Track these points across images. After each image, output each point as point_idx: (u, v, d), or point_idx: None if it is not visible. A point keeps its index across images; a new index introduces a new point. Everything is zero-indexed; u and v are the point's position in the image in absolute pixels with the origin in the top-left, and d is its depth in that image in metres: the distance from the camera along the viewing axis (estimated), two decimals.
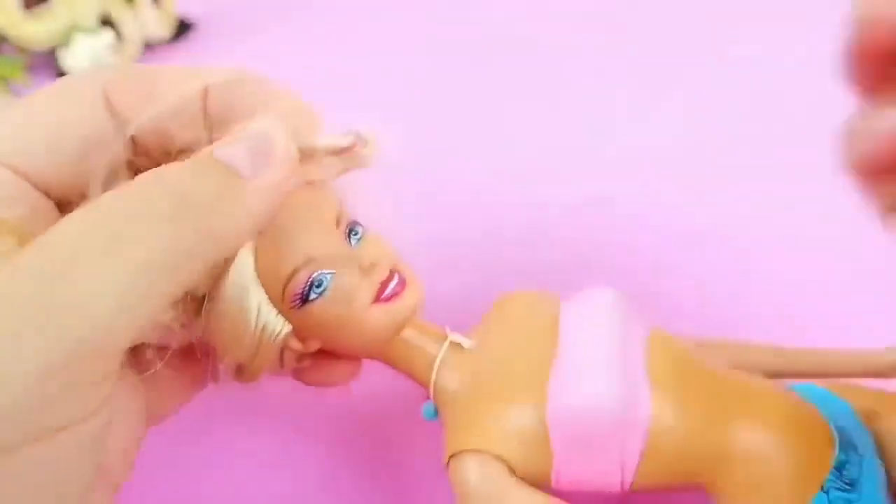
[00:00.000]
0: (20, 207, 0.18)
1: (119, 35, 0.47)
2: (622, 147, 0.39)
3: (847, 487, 0.20)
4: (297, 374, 0.22)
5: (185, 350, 0.21)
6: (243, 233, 0.17)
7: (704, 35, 0.47)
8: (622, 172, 0.38)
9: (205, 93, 0.19)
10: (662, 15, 0.49)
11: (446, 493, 0.21)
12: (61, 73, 0.46)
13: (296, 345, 0.20)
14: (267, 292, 0.19)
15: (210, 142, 0.18)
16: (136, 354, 0.20)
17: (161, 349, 0.20)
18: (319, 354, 0.21)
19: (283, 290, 0.19)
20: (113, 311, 0.14)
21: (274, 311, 0.20)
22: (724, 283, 0.32)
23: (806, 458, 0.20)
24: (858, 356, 0.24)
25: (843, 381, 0.24)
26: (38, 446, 0.14)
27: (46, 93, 0.19)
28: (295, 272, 0.19)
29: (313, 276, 0.19)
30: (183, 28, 0.50)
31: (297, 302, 0.20)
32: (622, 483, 0.20)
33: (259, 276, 0.19)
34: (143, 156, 0.19)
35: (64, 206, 0.19)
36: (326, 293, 0.20)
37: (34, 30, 0.45)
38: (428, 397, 0.23)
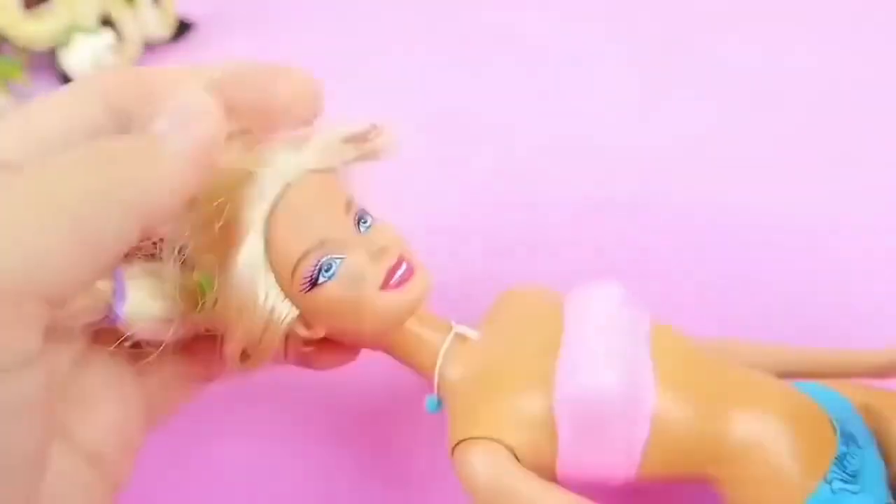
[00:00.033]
0: None
1: (119, 35, 0.47)
2: (622, 146, 0.39)
3: (849, 479, 0.20)
4: (299, 359, 0.22)
5: (185, 345, 0.21)
6: (164, 186, 0.17)
7: (705, 35, 0.47)
8: (622, 172, 0.38)
9: (215, 86, 0.19)
10: (663, 15, 0.49)
11: (451, 485, 0.21)
12: (61, 73, 0.46)
13: (302, 330, 0.21)
14: (276, 276, 0.20)
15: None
16: (133, 348, 0.20)
17: (158, 343, 0.20)
18: (321, 340, 0.21)
19: (293, 273, 0.19)
20: (12, 251, 0.14)
21: (282, 296, 0.20)
22: (725, 283, 0.32)
23: (808, 450, 0.20)
24: (859, 355, 0.24)
25: (843, 379, 0.24)
26: None
27: (48, 99, 0.19)
28: (305, 255, 0.19)
29: (322, 259, 0.20)
30: (183, 28, 0.50)
31: (307, 286, 0.20)
32: (628, 472, 0.21)
33: (269, 259, 0.19)
34: None
35: None
36: (335, 277, 0.20)
37: (34, 30, 0.45)
38: (432, 390, 0.23)
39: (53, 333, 0.17)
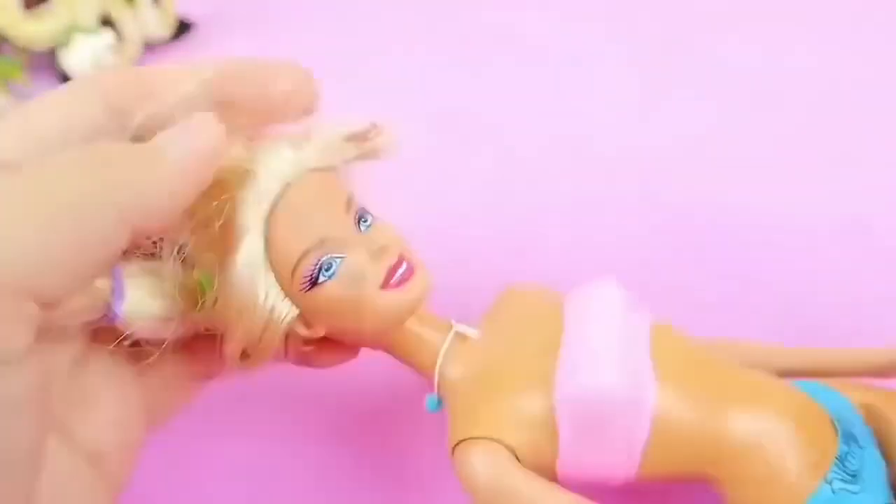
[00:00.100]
0: None
1: (119, 35, 0.47)
2: (622, 146, 0.39)
3: (850, 479, 0.20)
4: (298, 357, 0.22)
5: (185, 344, 0.21)
6: (161, 192, 0.17)
7: (705, 35, 0.47)
8: (622, 172, 0.38)
9: (206, 86, 0.19)
10: (663, 15, 0.49)
11: (451, 484, 0.21)
12: (61, 73, 0.46)
13: (302, 330, 0.20)
14: (276, 275, 0.20)
15: None
16: (133, 348, 0.20)
17: (158, 342, 0.20)
18: (321, 339, 0.21)
19: (293, 272, 0.19)
20: (11, 250, 0.14)
21: (282, 295, 0.20)
22: (725, 283, 0.32)
23: (809, 450, 0.20)
24: (859, 355, 0.24)
25: (843, 379, 0.24)
26: None
27: (47, 99, 0.19)
28: (305, 254, 0.19)
29: (323, 259, 0.20)
30: (183, 28, 0.50)
31: (307, 285, 0.20)
32: (628, 472, 0.21)
33: (269, 258, 0.19)
34: None
35: None
36: (335, 277, 0.20)
37: (34, 30, 0.45)
38: (431, 389, 0.23)
39: (51, 332, 0.17)
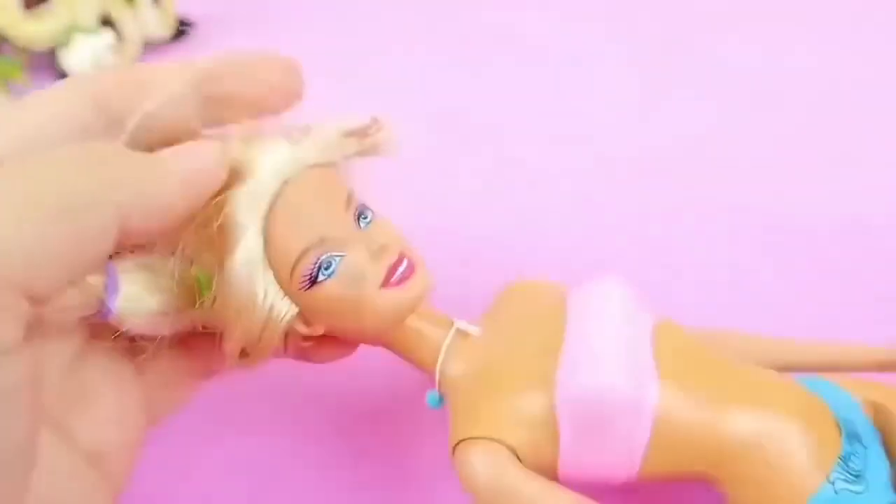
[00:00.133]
0: None
1: (119, 35, 0.47)
2: (622, 146, 0.39)
3: (853, 479, 0.20)
4: (298, 353, 0.22)
5: (184, 341, 0.21)
6: (156, 198, 0.17)
7: (705, 35, 0.47)
8: (622, 172, 0.38)
9: (195, 83, 0.19)
10: (663, 15, 0.49)
11: (451, 483, 0.21)
12: (61, 73, 0.46)
13: (301, 328, 0.20)
14: (275, 274, 0.19)
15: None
16: (131, 345, 0.20)
17: (156, 338, 0.20)
18: (320, 335, 0.21)
19: (292, 271, 0.19)
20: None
21: (281, 293, 0.20)
22: (725, 283, 0.32)
23: (812, 449, 0.20)
24: (865, 350, 0.24)
25: (849, 374, 0.24)
26: None
27: (35, 98, 0.19)
28: (305, 253, 0.19)
29: (322, 257, 0.19)
30: (183, 28, 0.50)
31: (306, 283, 0.19)
32: (629, 472, 0.20)
33: (268, 256, 0.19)
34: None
35: None
36: (335, 275, 0.19)
37: (34, 30, 0.45)
38: (432, 385, 0.23)
39: (45, 327, 0.17)
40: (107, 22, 0.47)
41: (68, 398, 0.18)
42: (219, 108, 0.19)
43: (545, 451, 0.20)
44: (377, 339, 0.22)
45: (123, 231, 0.16)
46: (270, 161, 0.19)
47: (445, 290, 0.23)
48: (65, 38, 0.46)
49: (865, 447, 0.21)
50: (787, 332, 0.25)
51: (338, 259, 0.19)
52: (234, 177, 0.19)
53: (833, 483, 0.19)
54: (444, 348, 0.22)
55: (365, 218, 0.20)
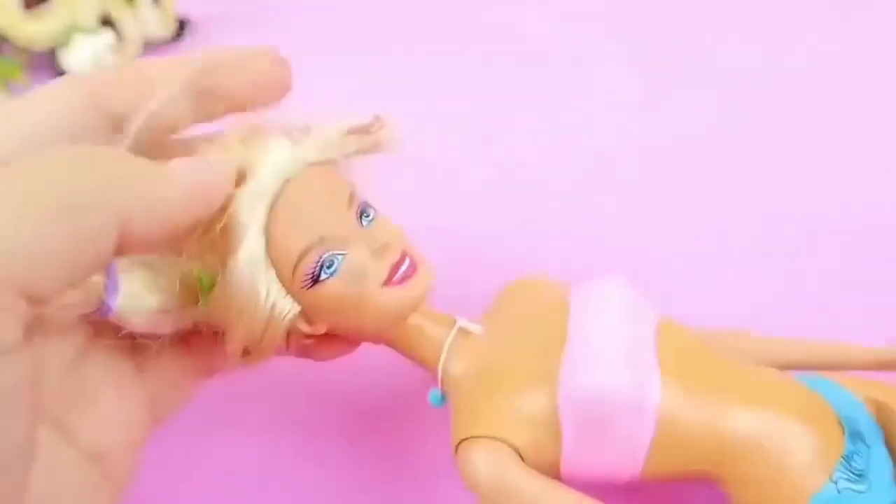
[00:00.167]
0: None
1: (119, 35, 0.47)
2: (622, 146, 0.39)
3: (855, 478, 0.20)
4: (300, 350, 0.22)
5: (186, 340, 0.21)
6: (160, 204, 0.17)
7: (705, 35, 0.47)
8: (622, 171, 0.38)
9: (189, 80, 0.19)
10: (663, 15, 0.49)
11: (453, 479, 0.21)
12: (61, 73, 0.46)
13: (304, 326, 0.20)
14: (278, 273, 0.19)
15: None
16: (132, 344, 0.20)
17: (157, 336, 0.20)
18: (323, 334, 0.21)
19: (294, 270, 0.19)
20: None
21: (283, 292, 0.20)
22: (725, 283, 0.32)
23: (815, 449, 0.20)
24: (865, 349, 0.24)
25: (852, 373, 0.24)
26: None
27: (30, 96, 0.19)
28: (307, 252, 0.19)
29: (324, 256, 0.19)
30: (183, 28, 0.50)
31: (308, 282, 0.19)
32: (632, 471, 0.20)
33: (270, 255, 0.19)
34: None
35: None
36: (337, 274, 0.19)
37: (34, 30, 0.45)
38: (434, 384, 0.23)
39: (45, 326, 0.17)
40: (107, 22, 0.47)
41: (68, 397, 0.18)
42: (210, 103, 0.20)
43: (548, 450, 0.20)
44: (379, 337, 0.22)
45: (123, 234, 0.16)
46: (271, 160, 0.19)
47: (445, 290, 0.23)
48: (65, 38, 0.46)
49: (868, 446, 0.20)
50: (788, 332, 0.25)
51: (340, 258, 0.19)
52: (237, 177, 0.19)
53: (836, 482, 0.20)
54: (446, 347, 0.22)
55: (367, 216, 0.20)
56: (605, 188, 0.36)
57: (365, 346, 0.23)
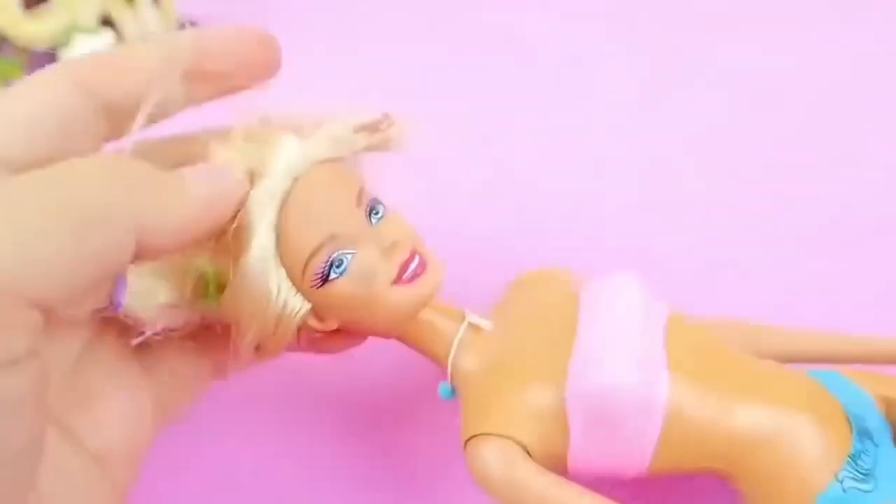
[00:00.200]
0: None
1: (119, 35, 0.47)
2: (622, 146, 0.39)
3: (862, 477, 0.20)
4: (309, 344, 0.22)
5: (192, 339, 0.21)
6: (174, 216, 0.17)
7: (705, 35, 0.47)
8: (622, 172, 0.38)
9: (177, 63, 0.19)
10: (663, 15, 0.49)
11: (454, 480, 0.21)
12: None
13: (315, 323, 0.20)
14: (288, 271, 0.20)
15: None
16: (139, 345, 0.20)
17: (167, 332, 0.20)
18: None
19: (304, 269, 0.19)
20: (4, 252, 0.14)
21: (294, 290, 0.20)
22: (725, 283, 0.32)
23: (822, 446, 0.20)
24: (879, 342, 0.24)
25: (862, 367, 0.24)
26: None
27: (19, 87, 0.19)
28: (316, 251, 0.19)
29: (333, 255, 0.19)
30: (183, 28, 0.50)
31: (318, 281, 0.20)
32: (640, 467, 0.21)
33: (280, 254, 0.19)
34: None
35: None
36: (346, 273, 0.20)
37: (34, 30, 0.45)
38: (435, 381, 0.23)
39: (53, 325, 0.17)
40: (107, 22, 0.47)
41: (72, 398, 0.18)
42: (199, 86, 0.20)
43: (556, 445, 0.21)
44: (389, 334, 0.22)
45: (139, 247, 0.16)
46: (281, 158, 0.19)
47: (445, 290, 0.23)
48: (65, 38, 0.45)
49: (877, 444, 0.21)
50: None
51: (349, 257, 0.20)
52: (245, 176, 0.19)
53: (842, 481, 0.20)
54: (456, 342, 0.22)
55: (377, 213, 0.21)
56: (606, 188, 0.36)
57: (368, 345, 0.23)
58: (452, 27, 0.49)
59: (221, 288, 0.20)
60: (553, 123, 0.41)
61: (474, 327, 0.23)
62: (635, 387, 0.20)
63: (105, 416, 0.19)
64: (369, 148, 0.21)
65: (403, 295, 0.20)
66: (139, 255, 0.17)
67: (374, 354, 0.23)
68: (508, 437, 0.20)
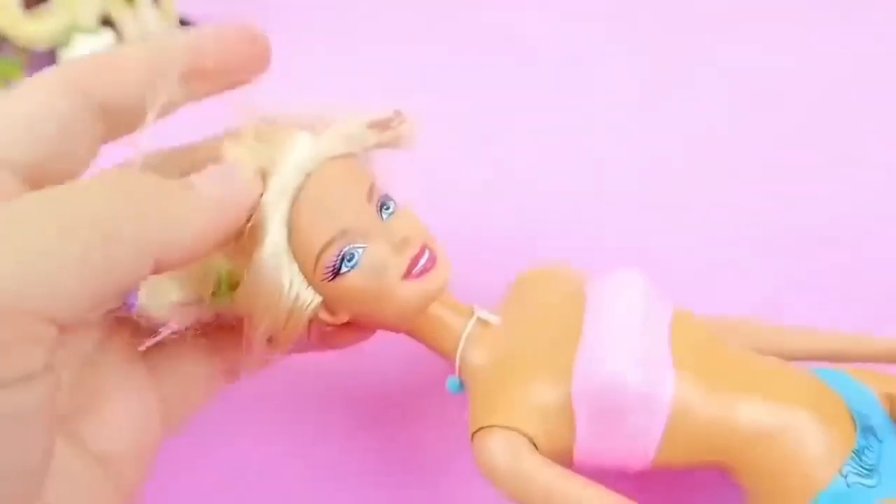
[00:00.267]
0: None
1: (119, 35, 0.47)
2: (622, 146, 0.39)
3: (866, 473, 0.20)
4: (319, 338, 0.22)
5: (201, 343, 0.21)
6: (186, 230, 0.17)
7: (705, 35, 0.47)
8: (622, 172, 0.38)
9: (173, 62, 0.20)
10: (663, 15, 0.49)
11: (457, 476, 0.21)
12: None
13: (326, 316, 0.21)
14: (300, 265, 0.20)
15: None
16: (148, 350, 0.20)
17: (176, 334, 0.20)
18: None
19: (316, 263, 0.20)
20: (16, 270, 0.14)
21: (305, 283, 0.20)
22: (725, 284, 0.32)
23: (825, 442, 0.20)
24: (880, 342, 0.24)
25: (868, 367, 0.24)
26: None
27: (15, 91, 0.19)
28: (328, 245, 0.20)
29: (345, 249, 0.20)
30: (183, 28, 0.50)
31: (329, 275, 0.20)
32: (644, 461, 0.21)
33: (292, 248, 0.20)
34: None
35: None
36: (357, 267, 0.20)
37: (34, 30, 0.45)
38: (452, 372, 0.23)
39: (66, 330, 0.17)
40: (107, 22, 0.47)
41: (77, 399, 0.18)
42: (193, 83, 0.20)
43: (561, 439, 0.21)
44: (399, 328, 0.23)
45: (158, 262, 0.17)
46: (294, 155, 0.20)
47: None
48: (65, 38, 0.45)
49: (880, 441, 0.21)
50: None
51: (360, 251, 0.20)
52: (259, 174, 0.20)
53: (845, 476, 0.20)
54: (464, 336, 0.23)
55: (387, 209, 0.21)
56: (606, 188, 0.36)
57: (376, 340, 0.23)
58: (452, 27, 0.49)
59: (234, 284, 0.20)
60: (553, 123, 0.41)
61: (482, 322, 0.23)
62: (638, 383, 0.20)
63: (110, 417, 0.19)
64: (380, 145, 0.22)
65: (413, 289, 0.20)
66: (158, 270, 0.17)
67: (382, 349, 0.23)
68: (515, 430, 0.21)
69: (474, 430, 0.21)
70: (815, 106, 0.41)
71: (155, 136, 0.20)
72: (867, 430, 0.21)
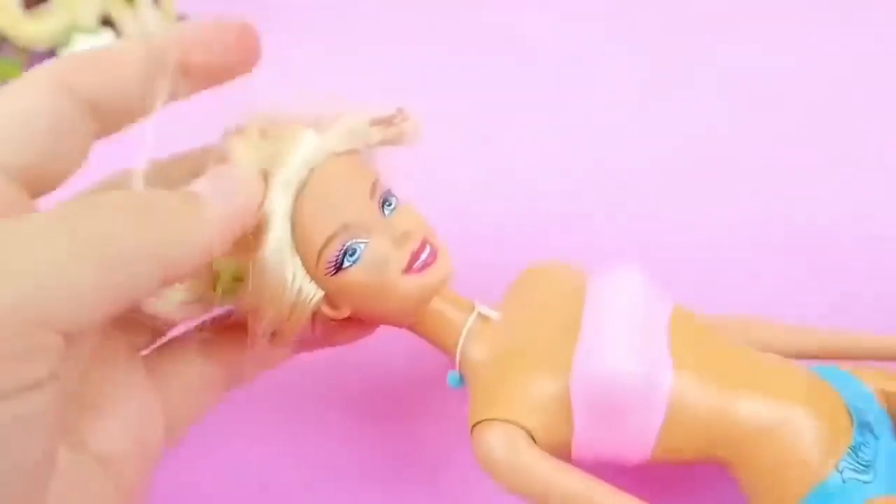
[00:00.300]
0: None
1: (119, 35, 0.47)
2: (622, 146, 0.39)
3: (862, 468, 0.20)
4: (322, 334, 0.22)
5: (206, 344, 0.21)
6: (196, 244, 0.17)
7: (705, 35, 0.47)
8: (622, 172, 0.38)
9: (162, 59, 0.19)
10: (663, 15, 0.49)
11: (472, 462, 0.21)
12: None
13: (328, 310, 0.21)
14: (302, 259, 0.20)
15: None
16: (152, 354, 0.20)
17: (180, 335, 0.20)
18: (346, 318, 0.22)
19: (318, 257, 0.20)
20: (35, 285, 0.14)
21: (308, 278, 0.20)
22: (725, 284, 0.32)
23: (822, 438, 0.20)
24: (880, 340, 0.24)
25: (863, 363, 0.24)
26: None
27: (4, 88, 0.19)
28: (330, 240, 0.20)
29: (347, 244, 0.20)
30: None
31: (332, 269, 0.20)
32: (641, 455, 0.21)
33: (295, 243, 0.20)
34: None
35: (37, 194, 0.19)
36: (359, 261, 0.20)
37: (34, 30, 0.45)
38: (453, 367, 0.23)
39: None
40: (107, 22, 0.47)
41: (83, 407, 0.18)
42: (184, 78, 0.20)
43: (560, 433, 0.21)
44: (400, 322, 0.23)
45: (167, 276, 0.17)
46: (298, 150, 0.20)
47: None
48: (65, 38, 0.45)
49: (877, 437, 0.21)
50: None
51: (362, 246, 0.20)
52: (263, 170, 0.20)
53: (841, 472, 0.20)
54: (465, 331, 0.23)
55: (389, 205, 0.21)
56: (606, 188, 0.36)
57: (376, 335, 0.23)
58: (452, 27, 0.49)
59: (238, 279, 0.20)
60: (553, 123, 0.41)
61: (483, 318, 0.23)
62: (637, 377, 0.20)
63: (111, 416, 0.19)
64: (384, 141, 0.22)
65: (414, 283, 0.21)
66: (167, 283, 0.17)
67: (382, 344, 0.24)
68: (513, 423, 0.21)
69: (473, 423, 0.22)
70: (814, 106, 0.41)
71: (155, 136, 0.20)
72: (864, 427, 0.21)
